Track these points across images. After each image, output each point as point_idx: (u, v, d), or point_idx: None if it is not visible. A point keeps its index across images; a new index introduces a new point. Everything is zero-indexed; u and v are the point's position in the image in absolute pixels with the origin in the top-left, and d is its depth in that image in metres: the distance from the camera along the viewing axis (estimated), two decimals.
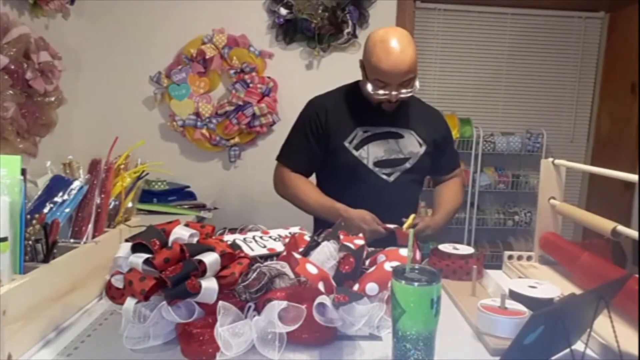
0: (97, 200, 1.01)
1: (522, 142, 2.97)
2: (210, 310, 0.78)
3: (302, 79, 2.72)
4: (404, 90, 1.42)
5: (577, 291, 1.04)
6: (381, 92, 1.42)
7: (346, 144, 1.51)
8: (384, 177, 1.51)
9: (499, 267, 1.28)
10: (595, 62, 3.08)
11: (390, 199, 1.50)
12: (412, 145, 1.54)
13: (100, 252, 0.99)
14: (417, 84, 1.45)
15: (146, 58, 2.64)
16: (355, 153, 1.50)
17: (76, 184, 0.98)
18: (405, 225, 1.39)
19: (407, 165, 1.53)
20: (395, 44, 1.37)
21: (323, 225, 1.23)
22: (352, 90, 1.59)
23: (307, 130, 1.54)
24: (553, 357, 0.71)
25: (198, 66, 2.59)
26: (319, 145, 1.54)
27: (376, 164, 1.50)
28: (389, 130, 1.53)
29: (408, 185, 1.55)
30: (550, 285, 0.98)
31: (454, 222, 2.98)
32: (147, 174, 1.20)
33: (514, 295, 0.93)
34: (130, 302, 0.78)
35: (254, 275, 0.85)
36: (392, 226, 1.39)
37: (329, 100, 1.58)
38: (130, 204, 1.16)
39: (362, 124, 1.52)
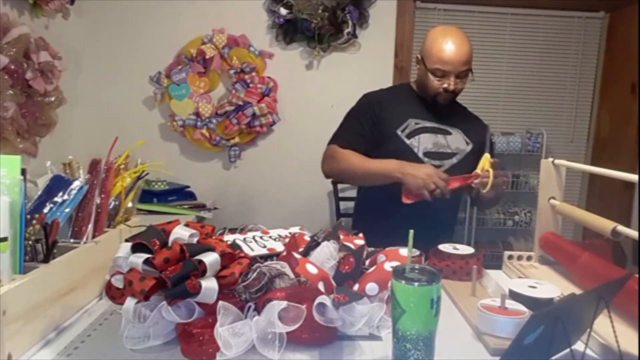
0: (97, 200, 1.01)
1: (522, 142, 2.97)
2: (210, 310, 0.78)
3: (302, 79, 2.73)
4: (460, 82, 1.51)
5: (577, 291, 1.04)
6: (441, 82, 1.50)
7: (398, 132, 1.56)
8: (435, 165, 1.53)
9: (499, 267, 1.28)
10: (595, 62, 3.08)
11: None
12: (459, 142, 1.60)
13: (100, 252, 0.99)
14: (470, 77, 1.54)
15: (146, 58, 2.64)
16: (407, 141, 1.55)
17: (76, 184, 0.98)
18: (479, 167, 1.40)
19: (454, 160, 1.57)
20: (456, 36, 1.50)
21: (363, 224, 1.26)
22: (405, 89, 1.68)
23: (361, 117, 1.61)
24: (553, 357, 0.71)
25: (198, 66, 2.59)
26: (372, 131, 1.58)
27: (426, 154, 1.55)
28: (438, 126, 1.58)
29: None
30: (550, 285, 0.98)
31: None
32: (147, 174, 1.20)
33: (514, 295, 0.93)
34: (130, 302, 0.78)
35: (254, 275, 0.85)
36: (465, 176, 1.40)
37: (382, 93, 1.67)
38: (130, 204, 1.16)
39: (413, 116, 1.58)
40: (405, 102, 1.62)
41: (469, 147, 1.61)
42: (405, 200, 1.43)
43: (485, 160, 1.41)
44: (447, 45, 1.48)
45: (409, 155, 1.53)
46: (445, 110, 1.59)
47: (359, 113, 1.63)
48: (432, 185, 1.36)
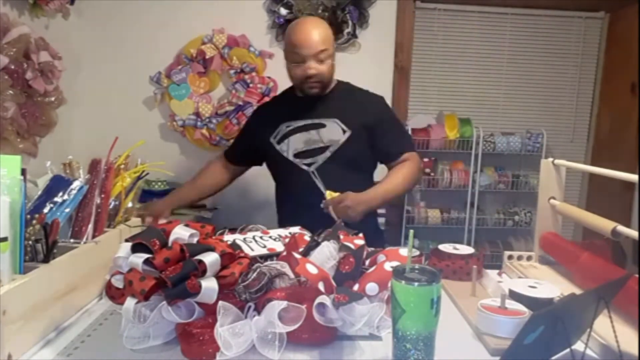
0: (97, 200, 1.01)
1: (522, 142, 2.97)
2: (210, 310, 0.78)
3: None
4: (320, 64, 1.52)
5: (577, 291, 1.04)
6: (301, 68, 1.52)
7: (271, 139, 1.63)
8: (305, 167, 1.57)
9: (499, 267, 1.28)
10: (595, 62, 3.08)
11: (315, 189, 1.53)
12: (333, 133, 1.58)
13: (100, 252, 0.99)
14: (332, 62, 1.57)
15: (146, 58, 2.64)
16: (277, 147, 1.62)
17: (76, 184, 0.98)
18: (327, 195, 1.46)
19: (328, 153, 1.57)
20: (308, 22, 1.56)
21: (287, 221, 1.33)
22: (286, 93, 1.73)
23: (244, 127, 1.83)
24: (553, 357, 0.71)
25: (198, 66, 2.59)
26: (249, 144, 1.73)
27: (296, 155, 1.59)
28: (311, 122, 1.60)
29: (334, 173, 1.56)
30: (550, 285, 0.98)
31: (454, 222, 2.98)
32: (147, 174, 1.21)
33: (514, 295, 0.93)
34: (130, 302, 0.78)
35: (254, 275, 0.85)
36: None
37: (264, 105, 1.84)
38: (130, 204, 1.16)
39: (285, 120, 1.62)
40: (280, 108, 1.69)
41: (346, 135, 1.57)
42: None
43: (328, 194, 1.47)
44: (298, 30, 1.52)
45: (280, 161, 1.61)
46: (321, 101, 1.60)
47: (242, 128, 1.84)
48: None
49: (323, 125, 1.59)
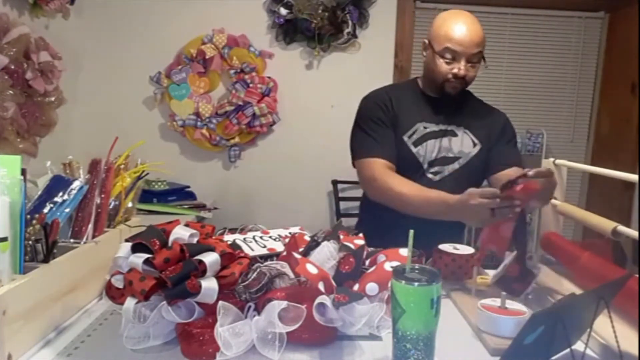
0: (97, 200, 1.01)
1: (522, 142, 2.97)
2: (210, 310, 0.78)
3: (302, 79, 2.73)
4: (471, 67, 1.39)
5: (578, 291, 1.04)
6: (451, 66, 1.38)
7: (405, 137, 1.44)
8: (430, 175, 1.44)
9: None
10: (595, 62, 3.08)
11: None
12: (464, 144, 1.47)
13: (100, 252, 0.99)
14: (483, 64, 1.43)
15: (146, 58, 2.64)
16: (414, 149, 1.44)
17: (76, 184, 0.98)
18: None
19: (456, 165, 1.46)
20: (467, 17, 1.39)
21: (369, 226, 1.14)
22: (409, 85, 1.56)
23: (381, 117, 1.45)
24: (553, 357, 0.71)
25: (198, 66, 2.59)
26: (392, 131, 1.44)
27: (430, 163, 1.45)
28: (444, 128, 1.47)
29: (453, 188, 1.40)
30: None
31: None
32: (147, 174, 1.20)
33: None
34: (130, 302, 0.78)
35: (254, 275, 0.85)
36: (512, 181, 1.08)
37: (388, 92, 1.51)
38: (130, 204, 1.16)
39: (423, 120, 1.46)
40: (413, 103, 1.49)
41: (476, 149, 1.47)
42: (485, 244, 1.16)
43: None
44: (458, 25, 1.36)
45: (413, 164, 1.43)
46: (454, 107, 1.47)
47: (374, 115, 1.46)
48: (486, 214, 1.09)
49: (454, 134, 1.47)
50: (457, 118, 1.48)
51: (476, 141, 1.48)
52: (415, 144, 1.44)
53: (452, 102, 1.45)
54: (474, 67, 1.40)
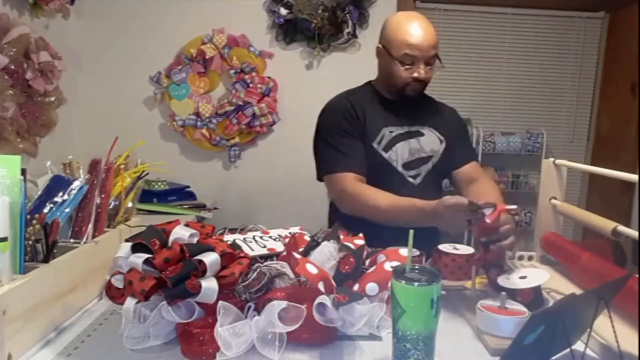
0: (97, 200, 1.01)
1: (522, 142, 2.97)
2: (210, 310, 0.78)
3: (302, 79, 2.73)
4: (429, 69, 1.40)
5: (578, 291, 1.04)
6: (410, 70, 1.38)
7: (374, 144, 1.43)
8: (410, 179, 1.44)
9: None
10: (595, 62, 3.08)
11: None
12: (433, 142, 1.48)
13: (100, 252, 0.99)
14: (438, 64, 1.43)
15: (146, 58, 2.64)
16: (385, 155, 1.42)
17: (76, 184, 0.98)
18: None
19: (430, 164, 1.46)
20: (421, 19, 1.39)
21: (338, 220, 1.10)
22: (367, 90, 1.53)
23: (346, 128, 1.42)
24: (553, 357, 0.71)
25: (198, 66, 2.59)
26: (361, 142, 1.42)
27: (404, 165, 1.43)
28: (409, 129, 1.46)
29: (432, 187, 1.47)
30: (539, 271, 0.98)
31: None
32: (147, 174, 1.20)
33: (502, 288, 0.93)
34: (130, 302, 0.78)
35: (254, 275, 0.85)
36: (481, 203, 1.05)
37: (349, 99, 1.48)
38: (130, 204, 1.16)
39: (387, 124, 1.45)
40: (374, 108, 1.47)
41: (443, 145, 1.49)
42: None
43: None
44: (414, 29, 1.36)
45: (387, 170, 1.42)
46: (415, 108, 1.47)
47: (338, 128, 1.43)
48: (463, 224, 1.10)
49: (421, 134, 1.47)
50: (419, 118, 1.49)
51: (442, 138, 1.50)
52: (386, 149, 1.43)
53: (411, 103, 1.45)
54: (432, 68, 1.41)
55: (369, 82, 1.56)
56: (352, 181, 1.37)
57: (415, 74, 1.38)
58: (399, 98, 1.45)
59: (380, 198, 1.30)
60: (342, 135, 1.43)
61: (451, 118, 1.56)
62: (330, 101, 1.54)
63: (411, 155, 1.45)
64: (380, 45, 1.45)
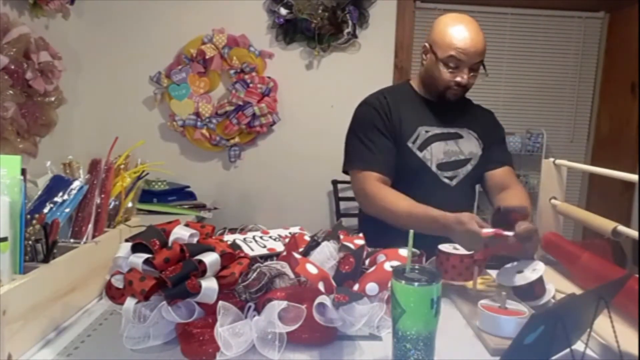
0: (97, 200, 1.01)
1: (522, 142, 2.97)
2: (210, 310, 0.78)
3: (302, 79, 2.73)
4: (473, 76, 1.38)
5: (578, 291, 1.04)
6: (453, 74, 1.36)
7: (409, 144, 1.40)
8: (446, 180, 1.41)
9: (499, 267, 1.28)
10: (595, 62, 3.08)
11: (450, 206, 1.24)
12: (472, 145, 1.46)
13: (100, 252, 0.99)
14: (482, 71, 1.41)
15: (146, 58, 2.64)
16: (420, 154, 1.40)
17: (76, 184, 0.98)
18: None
19: (469, 167, 1.44)
20: (471, 24, 1.38)
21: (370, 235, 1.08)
22: (405, 89, 1.52)
23: (379, 125, 1.41)
24: (553, 357, 0.71)
25: (198, 66, 2.59)
26: (391, 142, 1.40)
27: (439, 166, 1.41)
28: (448, 131, 1.44)
29: (468, 190, 1.47)
30: (536, 264, 0.98)
31: None
32: (147, 174, 1.20)
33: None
34: (130, 302, 0.78)
35: (254, 275, 0.85)
36: (493, 231, 1.03)
37: (385, 97, 1.46)
38: (130, 204, 1.16)
39: (423, 123, 1.43)
40: (411, 107, 1.46)
41: (481, 149, 1.47)
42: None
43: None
44: (463, 33, 1.34)
45: (421, 170, 1.40)
46: (453, 110, 1.45)
47: (371, 123, 1.42)
48: (464, 236, 1.10)
49: (460, 136, 1.45)
50: (458, 120, 1.46)
51: (480, 141, 1.48)
52: (420, 148, 1.41)
53: (450, 104, 1.43)
54: (475, 75, 1.39)
55: (408, 81, 1.55)
56: (373, 181, 1.36)
57: (458, 78, 1.36)
58: (437, 99, 1.43)
59: (398, 203, 1.30)
60: (373, 131, 1.41)
61: (488, 121, 1.54)
62: (368, 96, 1.52)
63: (447, 157, 1.42)
64: (427, 44, 1.43)
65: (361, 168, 1.39)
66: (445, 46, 1.35)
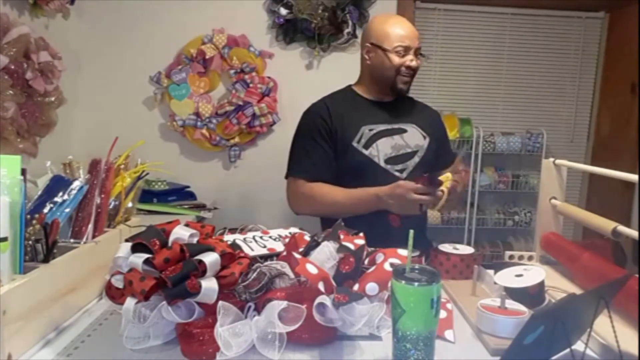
0: (97, 200, 1.01)
1: (522, 142, 2.97)
2: (210, 310, 0.78)
3: (302, 79, 2.72)
4: (418, 58, 1.52)
5: (578, 291, 1.04)
6: (404, 59, 1.49)
7: (354, 144, 1.49)
8: (397, 173, 1.49)
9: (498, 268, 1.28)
10: (595, 62, 3.08)
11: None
12: (417, 138, 1.55)
13: (100, 252, 0.99)
14: (423, 58, 1.56)
15: (146, 58, 2.64)
16: (366, 152, 1.49)
17: (76, 184, 0.98)
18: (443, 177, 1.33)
19: (417, 158, 1.53)
20: (401, 17, 1.56)
21: (329, 225, 1.15)
22: (347, 93, 1.62)
23: (316, 135, 1.52)
24: (553, 357, 0.71)
25: (198, 66, 2.59)
26: (331, 148, 1.51)
27: (387, 161, 1.50)
28: (392, 127, 1.54)
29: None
30: (537, 268, 0.98)
31: (454, 222, 2.98)
32: (147, 174, 1.20)
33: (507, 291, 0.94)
34: (130, 302, 0.78)
35: (254, 275, 0.85)
36: (426, 176, 1.32)
37: (327, 103, 1.56)
38: (130, 204, 1.16)
39: (365, 123, 1.52)
40: (354, 109, 1.55)
41: (427, 141, 1.56)
42: (395, 223, 1.43)
43: (446, 179, 1.34)
44: (402, 23, 1.51)
45: (370, 166, 1.48)
46: (397, 108, 1.56)
47: (311, 132, 1.53)
48: (417, 204, 1.31)
49: (404, 130, 1.54)
50: (401, 116, 1.57)
51: (424, 134, 1.57)
52: (366, 146, 1.50)
53: (391, 103, 1.56)
54: (419, 59, 1.53)
55: (349, 86, 1.65)
56: (304, 184, 1.50)
57: (409, 62, 1.49)
58: (387, 93, 1.55)
59: (336, 193, 1.46)
60: (311, 140, 1.53)
61: (433, 119, 1.66)
62: (311, 105, 1.62)
63: (395, 151, 1.51)
64: (369, 44, 1.55)
65: (299, 176, 1.52)
66: (391, 37, 1.49)
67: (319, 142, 1.51)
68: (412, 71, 1.51)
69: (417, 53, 1.52)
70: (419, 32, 1.54)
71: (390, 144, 1.51)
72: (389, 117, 1.55)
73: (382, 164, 1.49)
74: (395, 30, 1.49)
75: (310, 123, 1.55)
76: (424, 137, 1.57)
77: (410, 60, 1.49)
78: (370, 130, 1.51)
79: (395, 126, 1.54)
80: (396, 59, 1.48)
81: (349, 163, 1.49)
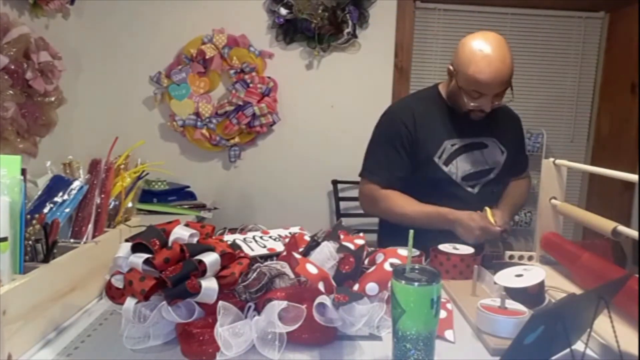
0: (97, 200, 1.01)
1: None
2: (210, 310, 0.78)
3: (302, 79, 2.73)
4: (497, 101, 1.38)
5: (578, 291, 1.04)
6: (476, 103, 1.36)
7: (435, 159, 1.44)
8: (469, 189, 1.47)
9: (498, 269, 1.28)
10: (595, 62, 3.08)
11: (469, 210, 1.36)
12: (495, 154, 1.50)
13: (100, 252, 0.99)
14: (509, 94, 1.40)
15: (146, 58, 2.64)
16: (445, 169, 1.44)
17: (76, 184, 0.98)
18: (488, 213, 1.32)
19: (492, 175, 1.49)
20: (496, 53, 1.30)
21: (389, 240, 1.15)
22: (433, 97, 1.52)
23: (397, 143, 1.45)
24: (553, 357, 0.71)
25: (198, 66, 2.59)
26: (410, 157, 1.46)
27: (464, 178, 1.46)
28: (473, 141, 1.48)
29: (491, 195, 1.50)
30: (537, 268, 0.98)
31: None
32: (147, 174, 1.20)
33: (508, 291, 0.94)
34: (130, 302, 0.78)
35: (254, 275, 0.85)
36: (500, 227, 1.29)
37: (413, 108, 1.48)
38: (130, 204, 1.16)
39: (449, 137, 1.46)
40: (438, 118, 1.47)
41: (504, 157, 1.51)
42: None
43: (490, 214, 1.32)
44: (487, 66, 1.29)
45: (446, 183, 1.45)
46: (480, 120, 1.45)
47: (391, 137, 1.46)
48: (477, 232, 1.29)
49: (485, 145, 1.48)
50: (484, 129, 1.48)
51: (503, 149, 1.52)
52: (446, 163, 1.45)
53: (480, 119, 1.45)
54: (499, 98, 1.38)
55: (436, 85, 1.56)
56: (378, 189, 1.47)
57: (481, 108, 1.37)
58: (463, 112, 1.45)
59: (406, 205, 1.42)
60: (393, 146, 1.46)
61: (514, 127, 1.59)
62: (394, 106, 1.56)
63: (474, 167, 1.47)
64: (451, 67, 1.42)
65: (373, 181, 1.48)
66: (469, 78, 1.33)
67: (399, 150, 1.45)
68: (485, 113, 1.39)
69: (501, 93, 1.37)
70: (511, 71, 1.32)
71: (470, 160, 1.46)
72: (470, 130, 1.47)
73: (459, 181, 1.45)
74: (475, 73, 1.30)
75: (394, 128, 1.47)
76: (502, 152, 1.51)
77: (484, 105, 1.36)
78: (453, 145, 1.45)
79: (477, 140, 1.48)
80: (467, 103, 1.37)
81: (427, 177, 1.45)
